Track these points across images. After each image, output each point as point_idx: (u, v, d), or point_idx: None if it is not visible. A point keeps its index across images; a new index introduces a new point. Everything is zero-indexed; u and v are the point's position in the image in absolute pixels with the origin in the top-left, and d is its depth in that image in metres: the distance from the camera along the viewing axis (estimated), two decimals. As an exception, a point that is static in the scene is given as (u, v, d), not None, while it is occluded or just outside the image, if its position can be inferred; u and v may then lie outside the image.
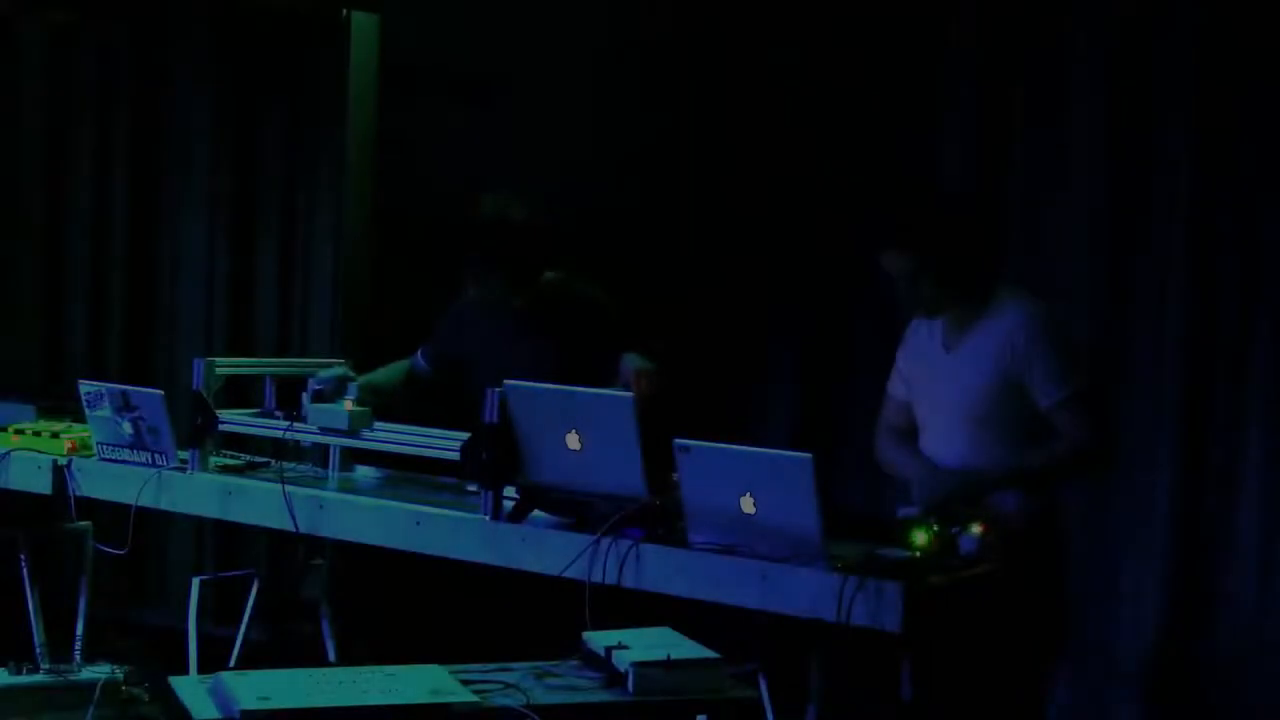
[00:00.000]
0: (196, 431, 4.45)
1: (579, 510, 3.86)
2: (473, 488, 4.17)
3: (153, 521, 5.69)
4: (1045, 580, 3.92)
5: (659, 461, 3.71)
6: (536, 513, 3.97)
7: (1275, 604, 5.04)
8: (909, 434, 4.10)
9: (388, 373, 4.81)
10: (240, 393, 4.96)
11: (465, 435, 4.03)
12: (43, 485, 4.69)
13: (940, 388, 3.98)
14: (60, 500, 4.68)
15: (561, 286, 4.67)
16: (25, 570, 4.95)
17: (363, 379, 4.57)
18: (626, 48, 6.02)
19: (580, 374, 4.15)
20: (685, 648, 3.43)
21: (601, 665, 3.38)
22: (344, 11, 5.90)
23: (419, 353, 4.84)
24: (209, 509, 4.47)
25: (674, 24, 6.13)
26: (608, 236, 5.72)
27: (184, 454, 4.50)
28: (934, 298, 3.91)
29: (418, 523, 4.08)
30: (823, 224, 6.00)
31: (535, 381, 3.94)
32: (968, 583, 3.57)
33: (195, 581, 4.67)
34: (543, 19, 6.02)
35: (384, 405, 4.54)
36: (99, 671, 3.53)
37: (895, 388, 4.17)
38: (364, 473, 4.72)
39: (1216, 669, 5.15)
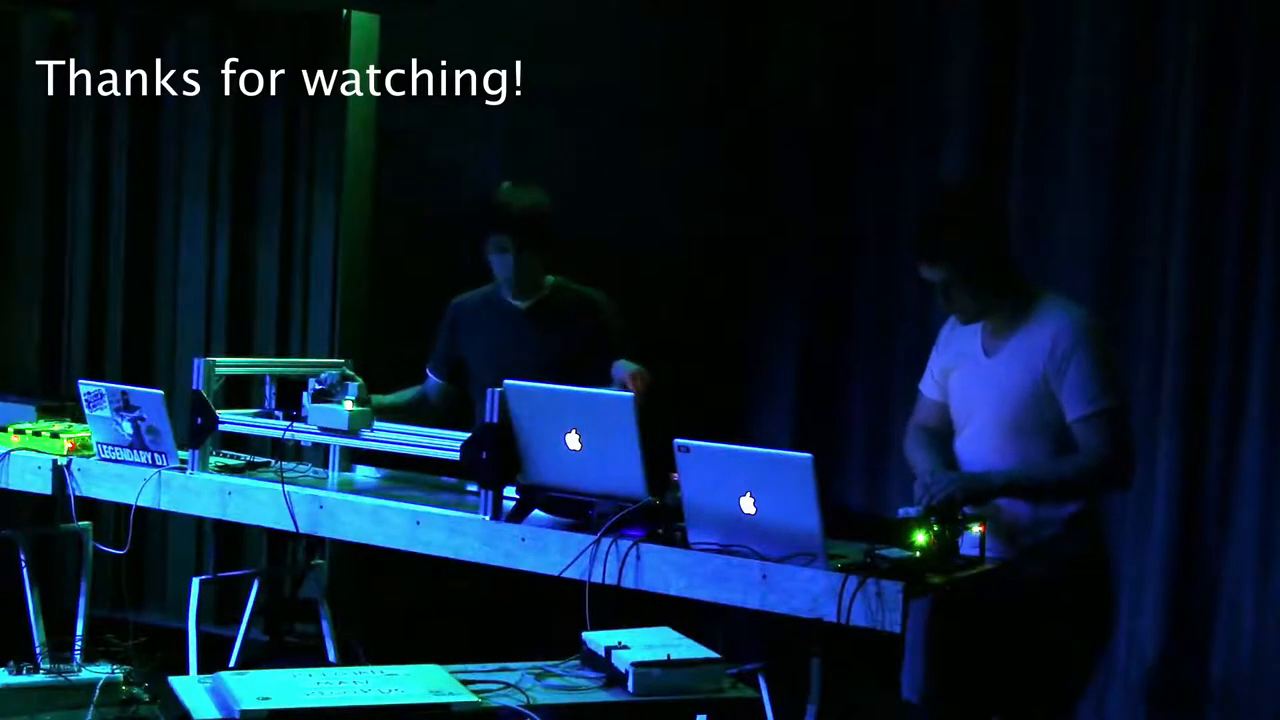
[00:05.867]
0: (196, 431, 4.45)
1: (579, 510, 3.86)
2: (473, 488, 4.18)
3: (153, 521, 5.72)
4: (1086, 582, 3.91)
5: (659, 461, 3.71)
6: (536, 513, 3.97)
7: (1275, 603, 5.04)
8: (941, 434, 4.05)
9: (400, 395, 4.82)
10: (240, 393, 4.96)
11: (465, 435, 4.03)
12: (43, 485, 4.69)
13: (977, 391, 3.94)
14: (60, 500, 4.69)
15: (564, 288, 4.69)
16: (25, 570, 4.95)
17: (377, 400, 4.56)
18: (624, 46, 6.02)
19: (579, 375, 4.15)
20: (685, 648, 3.43)
21: (601, 665, 3.38)
22: (344, 11, 5.90)
23: (426, 370, 4.86)
24: (209, 509, 4.47)
25: (670, 25, 6.13)
26: (607, 236, 5.72)
27: (184, 454, 4.50)
28: (969, 305, 3.89)
29: (418, 523, 4.08)
30: (823, 224, 6.00)
31: (538, 382, 3.95)
32: (972, 583, 3.59)
33: (195, 581, 4.66)
34: (541, 20, 6.02)
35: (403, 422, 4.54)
36: (99, 671, 3.53)
37: (928, 388, 4.12)
38: (364, 473, 4.72)
39: (1215, 669, 5.15)
